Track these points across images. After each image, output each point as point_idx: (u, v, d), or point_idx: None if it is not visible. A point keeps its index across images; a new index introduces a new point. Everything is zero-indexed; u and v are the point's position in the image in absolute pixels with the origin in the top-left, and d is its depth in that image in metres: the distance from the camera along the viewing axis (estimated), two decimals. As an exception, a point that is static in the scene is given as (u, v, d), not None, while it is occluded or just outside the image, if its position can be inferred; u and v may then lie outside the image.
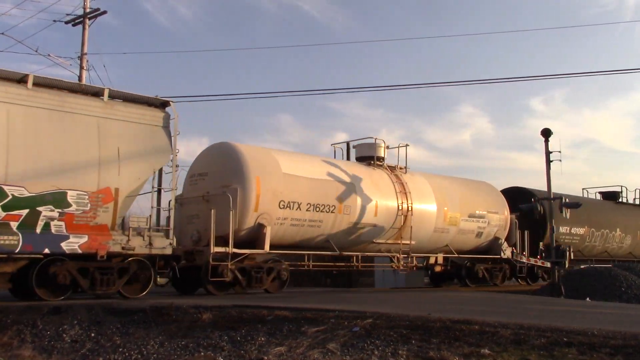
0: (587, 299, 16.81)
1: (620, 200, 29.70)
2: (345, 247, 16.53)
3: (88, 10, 23.75)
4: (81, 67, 23.38)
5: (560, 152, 19.70)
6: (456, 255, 19.52)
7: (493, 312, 10.01)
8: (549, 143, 19.68)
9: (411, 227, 17.47)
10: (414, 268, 19.62)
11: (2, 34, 23.69)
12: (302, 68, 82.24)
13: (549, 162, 19.68)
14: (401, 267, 17.86)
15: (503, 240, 20.57)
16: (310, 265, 16.08)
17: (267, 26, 79.90)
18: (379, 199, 16.95)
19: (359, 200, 16.37)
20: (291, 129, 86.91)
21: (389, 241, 17.48)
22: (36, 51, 23.49)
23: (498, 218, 20.64)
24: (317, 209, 15.38)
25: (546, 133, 19.59)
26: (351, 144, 19.05)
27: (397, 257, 17.57)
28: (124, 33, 78.35)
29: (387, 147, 18.74)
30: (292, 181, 15.03)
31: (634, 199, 31.15)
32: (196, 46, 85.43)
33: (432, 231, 18.50)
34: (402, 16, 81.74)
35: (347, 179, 16.42)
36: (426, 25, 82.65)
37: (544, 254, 20.23)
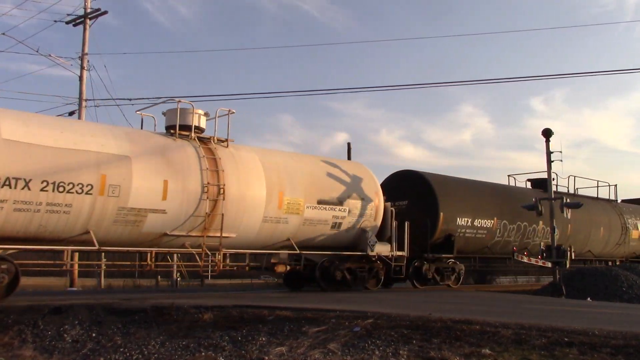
0: (588, 299, 16.82)
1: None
2: (122, 242, 12.65)
3: (89, 10, 23.86)
4: (82, 68, 23.46)
5: (561, 152, 19.72)
6: (307, 252, 15.48)
7: (494, 312, 10.02)
8: (550, 143, 19.71)
9: (222, 214, 13.34)
10: (247, 268, 15.70)
11: (3, 34, 23.86)
12: (302, 68, 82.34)
13: (549, 162, 19.68)
14: (219, 267, 13.78)
15: (371, 233, 16.47)
16: (68, 265, 12.34)
17: (268, 26, 80.00)
18: (172, 178, 12.84)
19: (135, 179, 12.32)
20: (292, 129, 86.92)
21: (193, 233, 13.30)
22: (37, 51, 23.68)
23: (364, 206, 16.39)
24: (61, 189, 11.41)
25: (547, 133, 19.60)
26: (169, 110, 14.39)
27: (205, 253, 13.40)
28: (124, 33, 78.43)
29: (206, 115, 14.47)
30: (17, 150, 11.14)
31: (576, 188, 26.94)
32: (196, 46, 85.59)
33: (261, 221, 14.29)
34: (402, 16, 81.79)
35: (118, 151, 12.39)
36: (427, 25, 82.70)
37: (544, 254, 20.17)
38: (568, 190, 25.40)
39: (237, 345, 7.42)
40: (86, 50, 23.58)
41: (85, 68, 23.43)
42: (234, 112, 14.64)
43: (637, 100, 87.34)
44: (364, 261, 16.51)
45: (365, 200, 16.51)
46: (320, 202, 15.40)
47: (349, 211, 16.03)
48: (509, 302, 13.40)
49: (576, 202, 21.00)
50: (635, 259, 28.00)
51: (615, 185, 28.31)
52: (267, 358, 6.89)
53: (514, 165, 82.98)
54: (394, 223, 17.16)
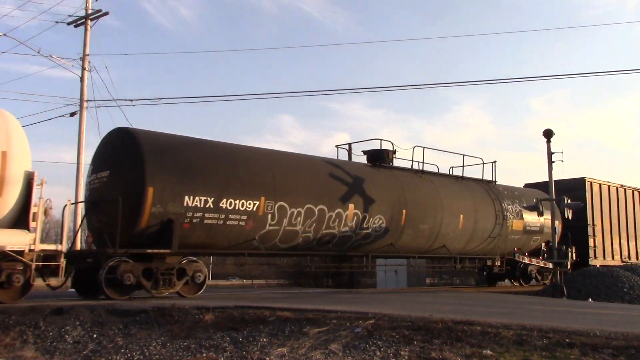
0: (590, 299, 16.82)
1: (387, 163, 18.00)
2: None
3: (90, 11, 23.93)
4: (83, 68, 23.51)
5: (562, 152, 19.67)
6: None
7: (495, 312, 10.00)
8: (551, 143, 19.69)
9: None
10: None
11: (5, 35, 23.85)
12: (302, 69, 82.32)
13: (550, 162, 19.66)
14: None
15: None
16: None
17: (268, 27, 79.99)
18: None
19: None
20: (292, 129, 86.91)
21: None
22: (38, 52, 23.71)
23: None
24: None
25: (548, 134, 19.58)
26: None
27: None
28: (125, 34, 78.47)
29: None
30: None
31: (445, 170, 20.52)
32: (196, 47, 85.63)
33: None
34: (402, 17, 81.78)
35: None
36: (427, 25, 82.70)
37: (545, 255, 20.10)
38: (412, 166, 18.66)
39: (238, 346, 7.43)
40: (87, 51, 23.64)
41: (87, 69, 23.47)
42: None
43: (638, 101, 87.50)
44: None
45: None
46: None
47: None
48: (510, 303, 13.38)
49: (577, 202, 20.92)
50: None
51: (494, 162, 21.47)
52: (268, 359, 6.90)
53: (514, 165, 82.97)
54: (39, 200, 11.14)
